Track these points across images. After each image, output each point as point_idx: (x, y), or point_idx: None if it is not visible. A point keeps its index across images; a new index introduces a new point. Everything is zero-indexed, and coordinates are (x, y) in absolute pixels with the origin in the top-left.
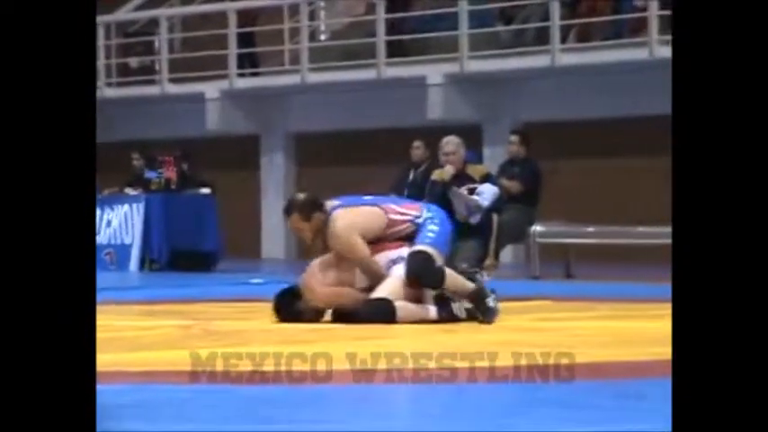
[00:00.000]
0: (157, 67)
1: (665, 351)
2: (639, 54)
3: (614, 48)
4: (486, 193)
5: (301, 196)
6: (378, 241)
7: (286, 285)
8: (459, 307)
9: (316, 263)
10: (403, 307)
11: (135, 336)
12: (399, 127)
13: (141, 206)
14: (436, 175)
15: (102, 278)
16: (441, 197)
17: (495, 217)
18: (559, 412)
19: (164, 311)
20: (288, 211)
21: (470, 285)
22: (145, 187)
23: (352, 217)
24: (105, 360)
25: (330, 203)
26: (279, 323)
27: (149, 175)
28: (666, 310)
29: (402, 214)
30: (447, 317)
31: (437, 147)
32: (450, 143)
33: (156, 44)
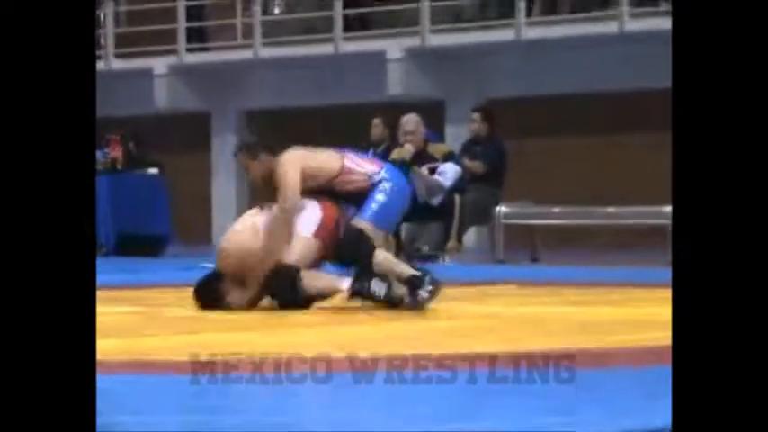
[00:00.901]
0: (102, 42)
1: (633, 338)
2: (609, 28)
3: (582, 21)
4: (448, 173)
5: (252, 137)
6: (329, 191)
7: (207, 271)
8: (379, 284)
9: (235, 230)
10: (309, 275)
11: None
12: (358, 104)
13: None
14: (396, 154)
15: None
16: None
17: (457, 198)
18: (525, 401)
19: (112, 298)
20: (236, 151)
21: (407, 271)
22: None
23: (302, 152)
24: None
25: None
26: (201, 310)
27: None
28: (633, 294)
29: (359, 165)
30: (360, 291)
31: (397, 125)
32: (411, 122)
33: (101, 17)
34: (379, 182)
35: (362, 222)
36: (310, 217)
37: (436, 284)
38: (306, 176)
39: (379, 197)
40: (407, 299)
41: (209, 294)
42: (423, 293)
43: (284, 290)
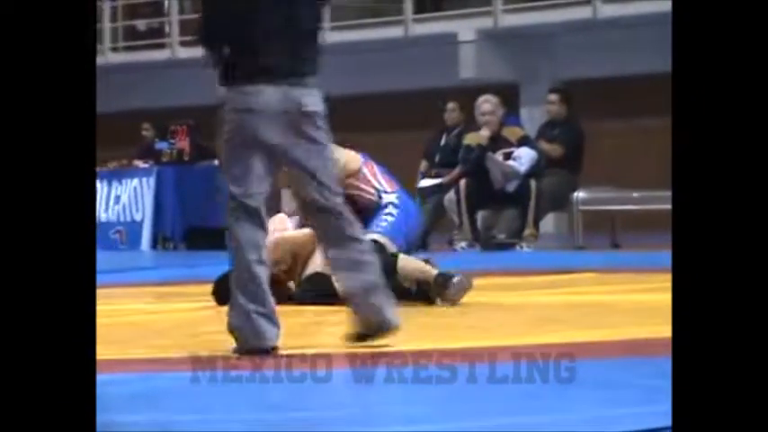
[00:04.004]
0: (167, 30)
1: None
2: None
3: None
4: (524, 158)
5: None
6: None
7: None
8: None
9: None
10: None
11: (147, 320)
12: (429, 88)
13: (152, 180)
14: (470, 139)
15: (112, 258)
16: (476, 163)
17: (533, 183)
18: (589, 392)
19: (178, 293)
20: None
21: (431, 271)
22: (156, 159)
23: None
24: (115, 347)
25: None
26: (218, 306)
27: (160, 146)
28: None
29: (375, 179)
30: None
31: (471, 109)
32: (488, 102)
33: (165, 5)
34: (387, 205)
35: (376, 235)
36: None
37: (463, 279)
38: None
39: (389, 217)
40: (439, 297)
41: (225, 290)
42: (452, 290)
43: (320, 297)
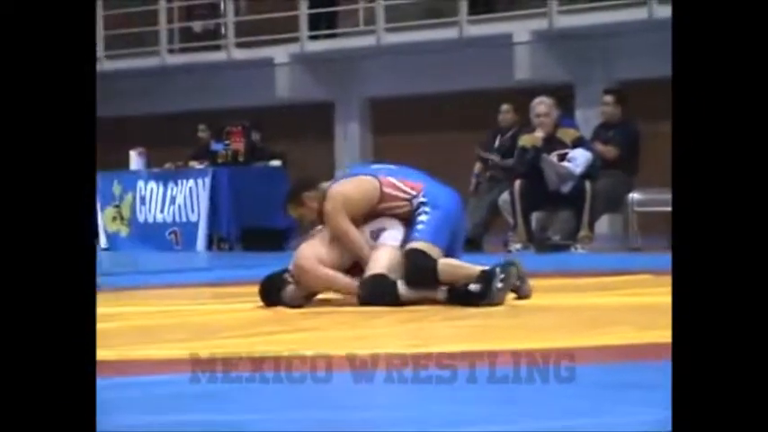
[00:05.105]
0: (223, 31)
1: None
2: None
3: None
4: (579, 159)
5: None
6: (369, 216)
7: (277, 269)
8: (474, 284)
9: (308, 244)
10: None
11: (204, 321)
12: (484, 89)
13: (207, 181)
14: (524, 140)
15: (167, 259)
16: (530, 165)
17: (588, 185)
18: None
19: (235, 294)
20: (283, 206)
21: (475, 269)
22: (211, 160)
23: (342, 192)
24: (172, 347)
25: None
26: (265, 308)
27: (216, 147)
28: None
29: (399, 190)
30: (456, 297)
31: (526, 110)
32: (543, 104)
33: (221, 6)
34: (420, 205)
35: (416, 243)
36: (393, 233)
37: (507, 272)
38: (350, 216)
39: (423, 218)
40: (481, 292)
41: (275, 295)
42: (498, 285)
43: (382, 299)
